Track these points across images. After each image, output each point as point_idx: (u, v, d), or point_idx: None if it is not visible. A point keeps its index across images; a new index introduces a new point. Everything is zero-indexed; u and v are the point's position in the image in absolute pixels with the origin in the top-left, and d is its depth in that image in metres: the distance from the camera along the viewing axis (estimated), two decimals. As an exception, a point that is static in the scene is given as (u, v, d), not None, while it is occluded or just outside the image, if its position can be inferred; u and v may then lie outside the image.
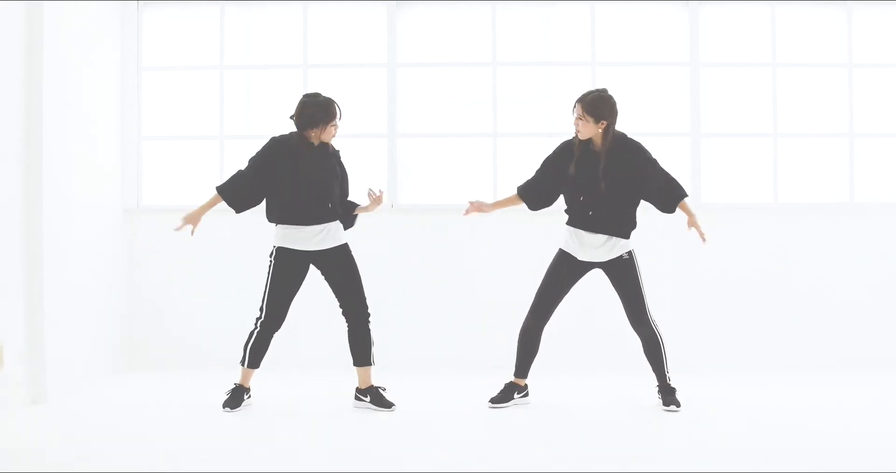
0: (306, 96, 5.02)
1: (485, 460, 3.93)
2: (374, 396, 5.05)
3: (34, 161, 5.23)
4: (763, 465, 3.81)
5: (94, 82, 6.18)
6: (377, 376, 5.45)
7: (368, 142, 6.65)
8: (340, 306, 5.06)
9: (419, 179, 6.76)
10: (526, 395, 5.20)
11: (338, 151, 5.13)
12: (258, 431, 4.52)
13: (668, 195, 5.04)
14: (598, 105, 4.92)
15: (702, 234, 5.02)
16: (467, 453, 4.06)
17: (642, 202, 5.13)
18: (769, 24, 6.68)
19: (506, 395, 5.13)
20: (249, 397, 5.10)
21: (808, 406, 5.08)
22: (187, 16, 6.79)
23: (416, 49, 6.76)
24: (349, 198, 5.19)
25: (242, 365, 5.04)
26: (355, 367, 5.10)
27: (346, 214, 5.14)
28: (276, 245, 5.01)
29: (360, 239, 6.09)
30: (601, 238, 4.98)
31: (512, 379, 5.19)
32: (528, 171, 6.65)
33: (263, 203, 5.07)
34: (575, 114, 4.99)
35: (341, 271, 5.02)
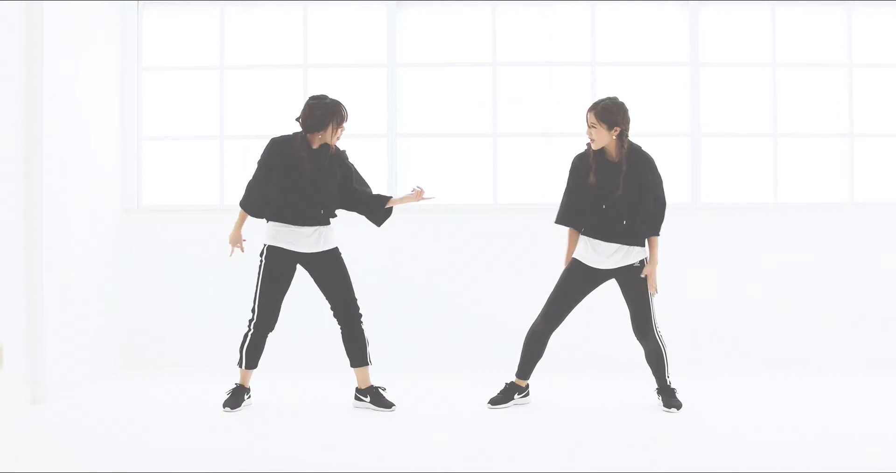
0: (313, 98, 4.99)
1: (484, 460, 3.93)
2: (373, 396, 5.06)
3: (34, 161, 5.23)
4: (763, 465, 3.81)
5: (94, 82, 6.18)
6: (376, 376, 5.45)
7: (368, 142, 6.64)
8: (332, 308, 5.06)
9: (419, 179, 6.75)
10: (526, 395, 5.20)
11: (343, 151, 5.11)
12: (258, 431, 4.51)
13: (647, 223, 5.01)
14: (610, 111, 4.90)
15: (653, 285, 4.97)
16: (467, 453, 4.06)
17: None
18: (769, 24, 6.68)
19: (506, 396, 5.13)
20: (249, 397, 5.10)
21: (808, 407, 5.08)
22: (187, 16, 6.79)
23: (416, 49, 6.76)
24: (376, 193, 5.20)
25: (240, 366, 5.05)
26: (353, 368, 5.10)
27: (378, 208, 5.13)
28: (267, 243, 5.01)
29: (360, 239, 6.11)
30: (614, 247, 4.96)
31: (513, 379, 5.18)
32: (528, 171, 6.69)
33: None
34: (588, 123, 4.96)
35: (332, 274, 5.02)
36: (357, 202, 5.12)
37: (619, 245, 4.95)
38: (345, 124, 4.99)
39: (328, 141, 4.97)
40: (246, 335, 5.03)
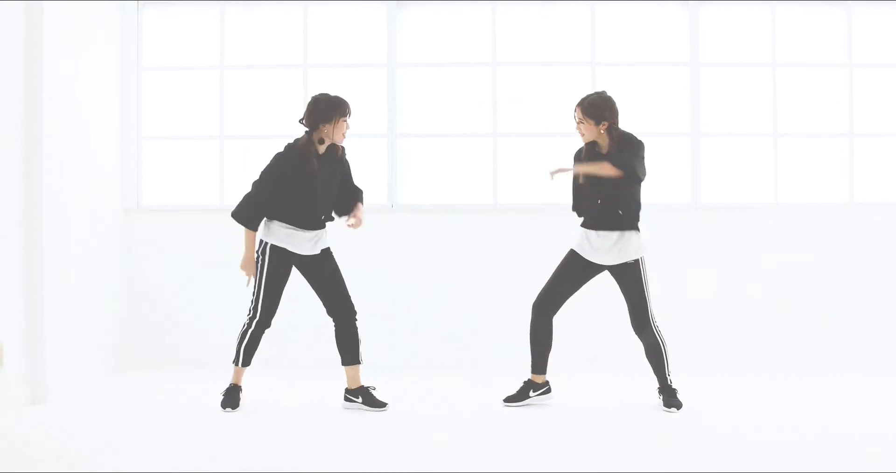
0: (317, 95, 5.01)
1: (484, 460, 3.93)
2: (365, 396, 5.05)
3: (34, 161, 5.22)
4: (763, 465, 3.81)
5: (94, 82, 6.18)
6: (375, 376, 5.45)
7: (368, 142, 6.64)
8: (326, 306, 5.07)
9: (419, 179, 6.76)
10: (547, 392, 5.15)
11: (343, 148, 5.12)
12: (258, 431, 4.51)
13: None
14: (597, 105, 4.92)
15: (580, 169, 4.93)
16: (467, 453, 4.06)
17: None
18: (769, 24, 6.68)
19: (521, 394, 5.12)
20: (241, 393, 5.10)
21: (808, 407, 5.08)
22: (187, 16, 6.79)
23: (416, 49, 6.76)
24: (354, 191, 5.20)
25: (236, 364, 5.04)
26: (344, 367, 5.09)
27: (349, 206, 5.13)
28: (270, 242, 4.98)
29: (359, 239, 6.10)
30: (613, 236, 4.96)
31: (529, 376, 5.17)
32: (528, 171, 6.68)
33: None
34: (576, 119, 4.98)
35: (326, 273, 5.03)
36: (344, 201, 5.14)
37: (618, 232, 4.94)
38: (349, 119, 4.99)
39: (333, 138, 4.97)
40: (245, 333, 5.03)
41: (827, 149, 6.72)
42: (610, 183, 4.92)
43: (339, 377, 5.48)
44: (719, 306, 6.53)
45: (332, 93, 5.04)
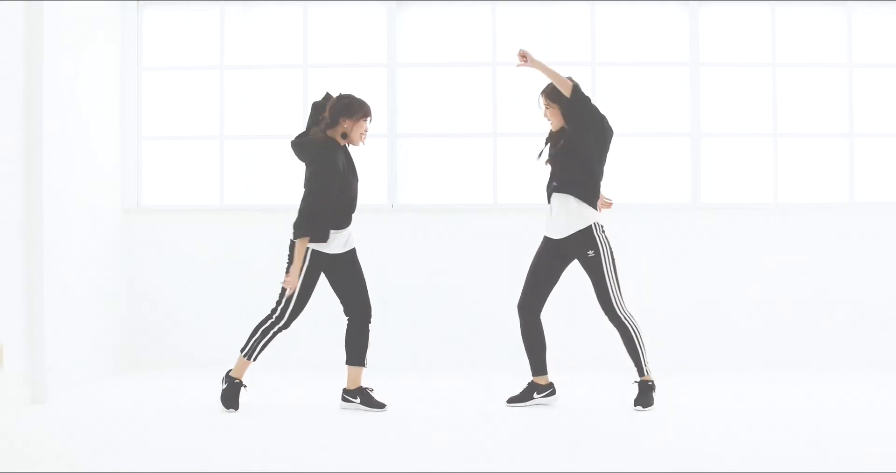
0: (342, 93, 5.00)
1: (484, 460, 3.93)
2: (364, 397, 5.03)
3: (34, 161, 5.22)
4: (763, 465, 3.81)
5: (94, 82, 6.18)
6: (375, 376, 5.45)
7: (368, 142, 6.61)
8: (344, 305, 5.04)
9: (419, 179, 6.76)
10: (551, 394, 5.14)
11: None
12: (258, 431, 4.51)
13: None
14: (557, 89, 4.97)
15: (526, 57, 5.01)
16: (467, 453, 4.06)
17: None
18: (769, 24, 6.68)
19: (525, 395, 5.13)
20: (245, 388, 5.06)
21: (808, 407, 5.08)
22: (187, 16, 6.79)
23: (416, 49, 6.76)
24: None
25: (249, 359, 4.97)
26: (347, 366, 5.07)
27: None
28: (310, 248, 4.89)
29: (359, 239, 6.09)
30: (556, 200, 4.97)
31: (532, 378, 5.17)
32: (528, 171, 6.67)
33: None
34: (542, 107, 5.05)
35: (351, 272, 5.01)
36: None
37: (561, 195, 4.95)
38: (369, 123, 4.98)
39: (351, 136, 4.93)
40: (267, 330, 4.94)
41: (827, 149, 6.72)
42: (566, 156, 4.95)
43: (340, 377, 5.49)
44: (719, 306, 6.53)
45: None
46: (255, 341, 4.98)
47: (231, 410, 4.94)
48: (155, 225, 6.62)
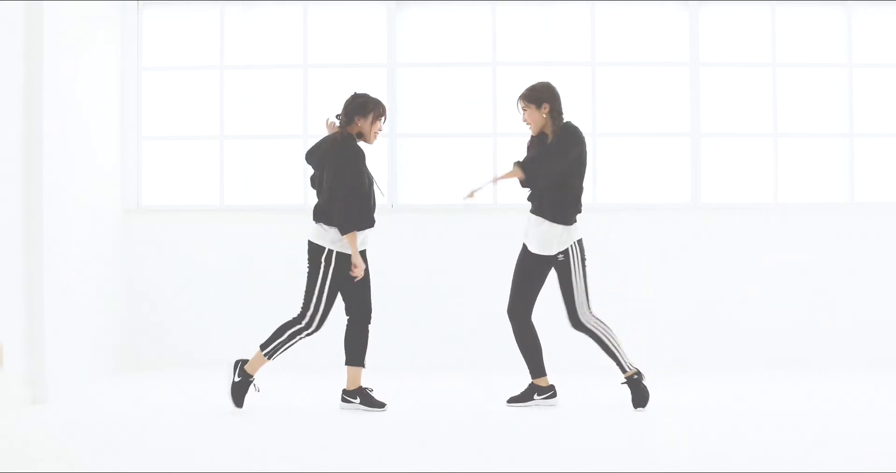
0: (357, 92, 5.08)
1: (484, 460, 3.93)
2: (364, 398, 5.03)
3: (34, 161, 5.22)
4: (763, 465, 3.81)
5: (94, 82, 6.18)
6: (375, 375, 5.45)
7: (368, 142, 6.63)
8: (346, 304, 5.04)
9: (419, 179, 6.76)
10: (552, 396, 5.13)
11: None
12: (258, 431, 4.51)
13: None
14: (535, 89, 5.02)
15: (476, 190, 5.02)
16: (466, 453, 4.06)
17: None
18: (769, 24, 6.68)
19: (525, 396, 5.13)
20: (255, 386, 5.02)
21: (808, 407, 5.08)
22: (187, 16, 6.79)
23: (416, 49, 6.76)
24: None
25: (268, 358, 4.93)
26: (346, 366, 5.07)
27: None
28: (337, 250, 4.90)
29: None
30: (531, 219, 5.02)
31: (532, 380, 5.17)
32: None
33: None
34: (521, 111, 5.06)
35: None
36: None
37: (536, 218, 5.00)
38: (383, 123, 5.03)
39: (365, 135, 4.99)
40: (294, 335, 4.91)
41: (827, 149, 6.72)
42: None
43: (340, 377, 5.48)
44: (719, 306, 6.53)
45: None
46: (279, 343, 4.93)
47: (236, 407, 4.91)
48: (155, 225, 6.62)
